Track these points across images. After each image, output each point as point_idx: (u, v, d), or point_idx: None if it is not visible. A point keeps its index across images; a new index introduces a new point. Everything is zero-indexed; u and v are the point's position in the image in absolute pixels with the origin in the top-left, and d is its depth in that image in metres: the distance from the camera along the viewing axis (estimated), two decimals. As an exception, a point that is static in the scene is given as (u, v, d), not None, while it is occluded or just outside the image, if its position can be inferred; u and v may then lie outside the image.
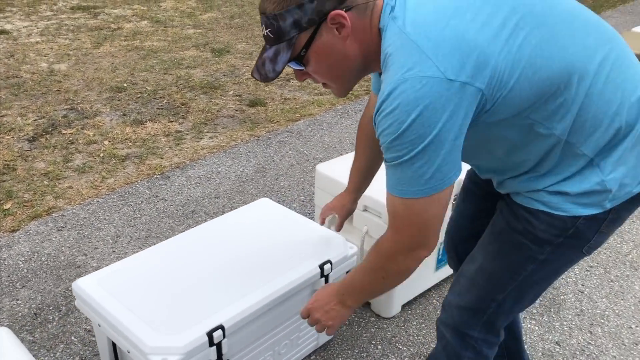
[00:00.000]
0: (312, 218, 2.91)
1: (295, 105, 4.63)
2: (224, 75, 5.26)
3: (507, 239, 1.41)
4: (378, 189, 2.24)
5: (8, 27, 6.43)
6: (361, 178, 1.92)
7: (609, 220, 1.31)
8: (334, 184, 2.36)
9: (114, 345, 1.85)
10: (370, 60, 1.25)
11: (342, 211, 1.99)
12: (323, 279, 1.93)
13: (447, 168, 1.15)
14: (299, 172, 3.53)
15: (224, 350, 1.69)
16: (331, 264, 1.94)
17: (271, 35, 1.20)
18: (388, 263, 1.32)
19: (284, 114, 4.45)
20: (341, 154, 3.69)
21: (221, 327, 1.65)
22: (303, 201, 3.19)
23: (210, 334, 1.63)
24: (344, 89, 1.33)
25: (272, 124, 4.25)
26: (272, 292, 1.78)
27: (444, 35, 1.10)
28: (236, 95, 4.79)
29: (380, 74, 1.37)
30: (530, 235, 1.35)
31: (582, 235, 1.32)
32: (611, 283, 2.61)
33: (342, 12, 1.16)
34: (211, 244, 2.01)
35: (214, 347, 1.66)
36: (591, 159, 1.24)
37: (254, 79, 4.53)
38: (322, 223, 2.06)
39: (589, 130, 1.21)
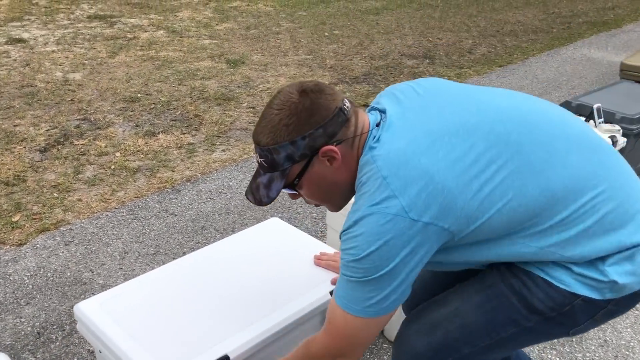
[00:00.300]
0: (323, 236, 2.84)
1: (309, 118, 4.56)
2: (239, 86, 5.22)
3: (497, 294, 1.33)
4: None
5: (25, 35, 6.46)
6: None
7: (606, 310, 1.26)
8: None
9: (115, 372, 1.77)
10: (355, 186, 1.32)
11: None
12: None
13: (394, 297, 1.20)
14: (312, 188, 3.46)
15: (230, 380, 1.61)
16: None
17: (265, 165, 1.29)
18: None
19: (297, 127, 4.38)
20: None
21: (226, 357, 1.58)
22: (315, 218, 3.11)
23: (214, 365, 1.55)
24: (337, 206, 1.41)
25: (286, 138, 4.18)
26: (280, 320, 1.70)
27: (413, 175, 1.14)
28: (250, 107, 4.74)
29: None
30: (524, 300, 1.29)
31: (574, 317, 1.27)
32: (636, 312, 2.49)
33: (332, 147, 1.24)
34: (218, 267, 1.94)
35: (219, 378, 1.58)
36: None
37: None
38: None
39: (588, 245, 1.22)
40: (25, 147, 3.83)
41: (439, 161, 1.15)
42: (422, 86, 1.35)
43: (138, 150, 3.87)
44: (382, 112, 1.31)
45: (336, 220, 2.37)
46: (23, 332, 2.25)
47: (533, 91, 5.50)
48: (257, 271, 1.92)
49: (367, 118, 1.31)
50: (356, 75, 5.72)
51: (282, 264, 1.96)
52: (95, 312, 1.71)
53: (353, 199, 1.32)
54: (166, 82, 5.22)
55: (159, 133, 4.16)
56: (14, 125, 4.15)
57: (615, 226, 1.20)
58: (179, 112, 4.56)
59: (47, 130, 4.10)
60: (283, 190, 1.32)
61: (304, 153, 1.25)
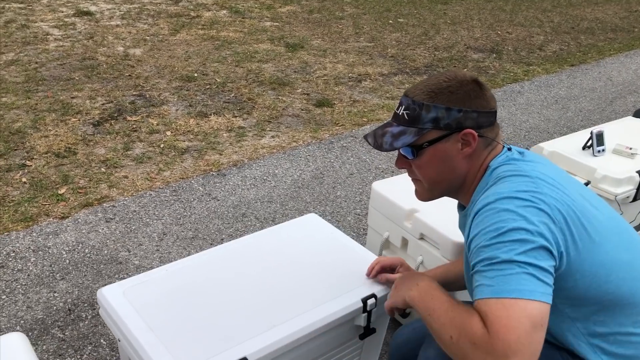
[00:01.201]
0: (364, 235, 2.72)
1: (363, 109, 4.44)
2: (295, 71, 5.13)
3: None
4: (439, 217, 2.03)
5: (93, 8, 6.57)
6: (445, 276, 1.68)
7: None
8: (389, 206, 2.15)
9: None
10: (464, 186, 1.34)
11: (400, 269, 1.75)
12: (365, 314, 1.73)
13: (542, 276, 1.09)
14: (358, 181, 3.34)
15: (247, 384, 1.53)
16: (376, 298, 1.74)
17: (406, 117, 1.30)
18: (465, 344, 1.12)
19: (350, 117, 4.27)
20: (406, 166, 3.47)
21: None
22: (359, 214, 3.00)
23: (231, 367, 1.48)
24: (430, 195, 1.39)
25: (337, 127, 4.07)
26: (305, 325, 1.60)
27: (556, 196, 1.18)
28: (304, 94, 4.64)
29: (463, 208, 1.43)
30: None
31: None
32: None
33: (475, 133, 1.27)
34: (248, 263, 1.86)
35: (235, 382, 1.50)
36: None
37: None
38: (370, 274, 1.82)
39: None
40: (79, 120, 3.88)
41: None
42: None
43: (188, 131, 3.85)
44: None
45: (377, 222, 2.25)
46: (55, 308, 2.25)
47: (606, 94, 5.16)
48: (287, 270, 1.83)
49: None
50: (417, 67, 5.52)
51: (314, 264, 1.86)
52: (117, 300, 1.66)
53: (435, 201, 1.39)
54: (223, 63, 5.19)
55: (211, 114, 4.13)
56: (72, 97, 4.21)
57: None
58: (232, 95, 4.52)
59: (102, 105, 4.14)
60: (402, 150, 1.33)
61: (449, 124, 1.27)
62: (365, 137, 1.38)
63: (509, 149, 1.36)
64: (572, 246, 1.14)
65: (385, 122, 1.39)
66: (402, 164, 1.38)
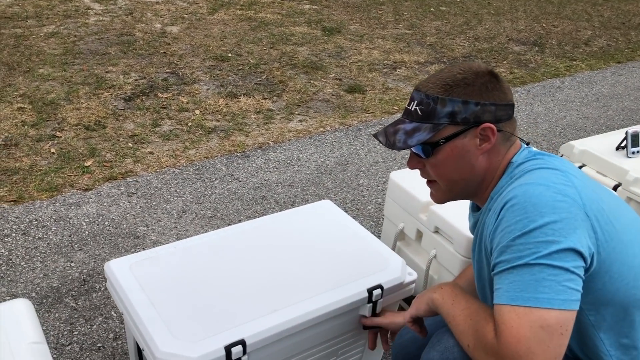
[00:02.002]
0: (381, 226, 2.68)
1: (395, 97, 4.36)
2: (329, 56, 5.08)
3: None
4: (455, 211, 1.98)
5: (135, -15, 6.64)
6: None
7: None
8: (406, 196, 2.11)
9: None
10: (482, 185, 1.27)
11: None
12: (370, 305, 1.70)
13: (567, 280, 1.03)
14: (383, 170, 3.29)
15: (244, 367, 1.52)
16: (382, 289, 1.70)
17: (419, 113, 1.22)
18: (480, 352, 1.09)
19: (381, 104, 4.20)
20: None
21: (242, 342, 1.49)
22: (380, 204, 2.96)
23: (228, 349, 1.47)
24: (447, 196, 1.32)
25: (367, 114, 4.02)
26: (306, 312, 1.58)
27: (590, 195, 1.13)
28: (337, 79, 4.59)
29: (477, 209, 1.37)
30: None
31: None
32: None
33: (494, 127, 1.19)
34: (256, 245, 1.85)
35: (232, 363, 1.49)
36: None
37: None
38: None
39: None
40: (111, 94, 3.92)
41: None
42: None
43: (217, 110, 3.86)
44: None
45: (393, 212, 2.21)
46: (70, 277, 2.29)
47: (651, 94, 4.95)
48: (295, 255, 1.81)
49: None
50: (455, 57, 5.40)
51: (323, 251, 1.83)
52: (123, 274, 1.68)
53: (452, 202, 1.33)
54: (258, 45, 5.18)
55: (240, 95, 4.12)
56: (106, 72, 4.27)
57: None
58: (264, 77, 4.50)
59: (135, 80, 4.18)
60: (414, 149, 1.26)
61: (467, 119, 1.20)
62: (376, 135, 1.30)
63: (527, 144, 1.30)
64: (603, 245, 1.08)
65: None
66: (416, 163, 1.30)
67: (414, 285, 1.81)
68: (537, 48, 5.92)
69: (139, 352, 1.78)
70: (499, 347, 1.03)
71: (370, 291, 1.68)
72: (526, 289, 1.02)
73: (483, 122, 1.20)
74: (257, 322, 1.54)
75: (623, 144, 2.47)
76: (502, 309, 1.04)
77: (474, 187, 1.28)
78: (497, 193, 1.22)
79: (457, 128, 1.21)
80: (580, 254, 1.04)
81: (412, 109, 1.24)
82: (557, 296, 1.01)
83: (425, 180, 1.33)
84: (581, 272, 1.04)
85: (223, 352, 1.46)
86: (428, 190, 1.56)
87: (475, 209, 1.40)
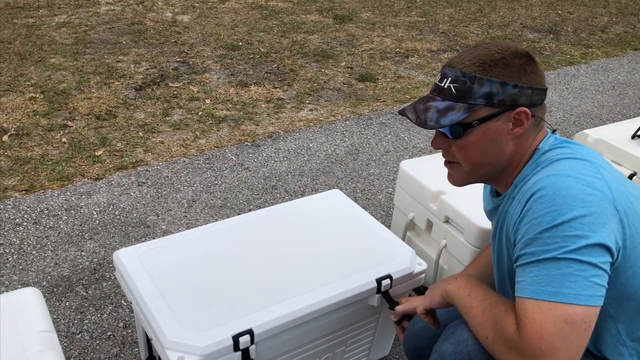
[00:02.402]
0: (391, 215, 2.66)
1: (407, 85, 4.32)
2: (341, 44, 5.04)
3: None
4: (465, 200, 1.95)
5: (146, -26, 6.63)
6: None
7: None
8: (416, 186, 2.08)
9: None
10: (506, 171, 1.22)
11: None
12: (379, 295, 1.69)
13: (593, 276, 1.01)
14: (394, 160, 3.26)
15: (252, 356, 1.52)
16: (391, 279, 1.69)
17: (453, 91, 1.16)
18: (499, 345, 1.07)
19: (393, 93, 4.16)
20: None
21: (250, 332, 1.48)
22: (390, 194, 2.93)
23: (236, 338, 1.46)
24: (468, 179, 1.26)
25: (378, 103, 3.99)
26: (314, 302, 1.57)
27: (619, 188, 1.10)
28: (348, 67, 4.56)
29: (496, 194, 1.32)
30: None
31: None
32: None
33: (529, 112, 1.15)
34: (265, 235, 1.84)
35: (239, 353, 1.49)
36: None
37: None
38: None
39: None
40: (122, 84, 3.93)
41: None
42: None
43: (227, 100, 3.85)
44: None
45: (404, 202, 2.19)
46: (81, 266, 2.30)
47: (669, 82, 4.86)
48: (304, 245, 1.80)
49: None
50: (468, 44, 5.33)
51: (332, 241, 1.82)
52: (132, 263, 1.68)
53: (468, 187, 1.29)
54: (269, 33, 5.15)
55: (251, 84, 4.10)
56: (117, 61, 4.27)
57: None
58: (275, 65, 4.48)
59: (146, 69, 4.18)
60: (442, 129, 1.19)
61: (504, 101, 1.14)
62: (403, 111, 1.22)
63: (554, 131, 1.25)
64: (630, 240, 1.06)
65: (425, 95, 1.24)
66: (441, 143, 1.23)
67: (423, 275, 1.80)
68: (552, 35, 5.83)
69: (148, 340, 1.78)
70: (520, 341, 1.01)
71: (379, 281, 1.67)
72: (552, 284, 1.00)
73: (519, 106, 1.15)
74: (265, 311, 1.53)
75: (639, 133, 2.42)
76: (525, 302, 1.02)
77: (498, 172, 1.23)
78: (521, 181, 1.18)
79: (492, 110, 1.15)
80: (608, 249, 1.01)
81: (445, 86, 1.17)
82: (583, 292, 0.99)
83: (444, 160, 1.28)
84: (608, 268, 1.02)
85: (231, 342, 1.46)
86: (438, 179, 1.54)
87: (494, 194, 1.35)
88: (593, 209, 1.01)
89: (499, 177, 1.25)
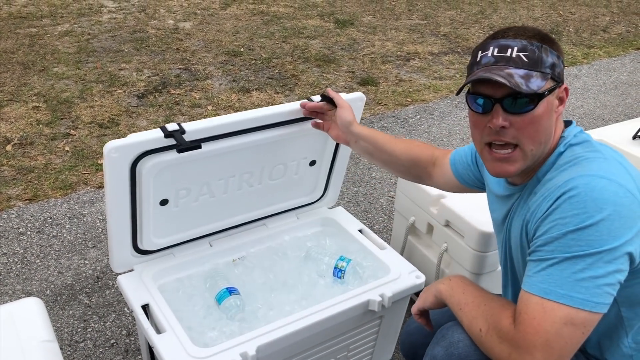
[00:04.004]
0: (392, 219, 2.66)
1: (409, 88, 4.32)
2: (342, 48, 5.05)
3: None
4: (465, 204, 1.95)
5: (148, -18, 6.66)
6: (375, 139, 1.59)
7: None
8: (416, 190, 2.08)
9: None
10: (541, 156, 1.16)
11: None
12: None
13: (605, 283, 1.00)
14: (396, 163, 3.26)
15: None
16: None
17: (525, 59, 1.09)
18: (492, 337, 1.08)
19: (394, 96, 4.17)
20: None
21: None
22: (392, 198, 2.93)
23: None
24: (528, 161, 1.13)
25: (379, 107, 3.99)
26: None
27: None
28: (349, 72, 4.57)
29: (510, 184, 1.26)
30: None
31: None
32: None
33: (568, 89, 1.14)
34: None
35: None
36: None
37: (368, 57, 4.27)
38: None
39: None
40: (125, 92, 3.95)
41: None
42: None
43: (229, 106, 3.86)
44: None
45: (404, 206, 2.19)
46: (84, 274, 2.31)
47: (672, 80, 4.85)
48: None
49: None
50: (469, 46, 5.33)
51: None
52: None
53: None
54: (271, 39, 5.17)
55: (253, 90, 4.12)
56: (119, 69, 4.29)
57: None
58: (277, 71, 4.49)
59: (148, 77, 4.20)
60: (506, 101, 1.08)
61: (559, 75, 1.12)
62: (481, 79, 1.08)
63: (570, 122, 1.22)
64: None
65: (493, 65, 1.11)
66: (503, 120, 1.09)
67: (423, 282, 1.79)
68: (553, 36, 5.82)
69: (151, 349, 1.79)
70: (515, 334, 1.02)
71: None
72: (563, 286, 1.00)
73: (562, 82, 1.13)
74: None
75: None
76: (530, 298, 1.03)
77: (544, 153, 1.15)
78: (544, 174, 1.13)
79: (553, 83, 1.10)
80: (629, 255, 1.01)
81: (514, 56, 1.08)
82: (592, 298, 0.99)
83: (493, 149, 1.14)
84: (622, 277, 1.01)
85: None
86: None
87: (508, 184, 1.27)
88: (623, 212, 0.99)
89: (537, 160, 1.16)
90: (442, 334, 1.24)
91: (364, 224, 1.93)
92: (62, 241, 2.49)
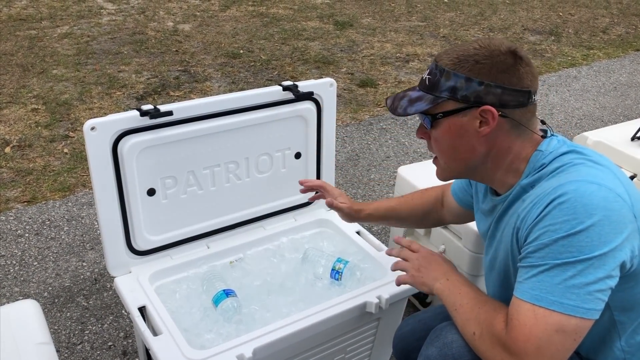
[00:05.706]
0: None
1: (408, 90, 4.32)
2: (341, 50, 5.05)
3: None
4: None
5: (147, -16, 6.66)
6: (385, 212, 1.69)
7: None
8: (413, 191, 2.08)
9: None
10: (490, 171, 1.21)
11: (339, 200, 1.73)
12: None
13: (597, 290, 1.01)
14: (394, 165, 3.26)
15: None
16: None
17: (427, 83, 1.19)
18: (485, 341, 1.09)
19: (393, 98, 4.16)
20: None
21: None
22: (391, 199, 2.93)
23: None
24: (447, 174, 1.29)
25: (378, 108, 3.99)
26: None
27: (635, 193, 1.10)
28: (348, 73, 4.57)
29: (495, 194, 1.29)
30: None
31: None
32: None
33: (495, 111, 1.13)
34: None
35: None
36: None
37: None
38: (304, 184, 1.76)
39: None
40: (124, 94, 3.95)
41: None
42: None
43: (228, 107, 3.85)
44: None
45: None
46: (82, 277, 2.31)
47: (671, 82, 4.84)
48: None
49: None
50: (469, 48, 5.33)
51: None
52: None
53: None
54: (270, 40, 5.17)
55: (252, 91, 4.11)
56: (118, 71, 4.29)
57: None
58: (276, 72, 4.49)
59: (147, 79, 4.20)
60: (421, 118, 1.23)
61: (467, 97, 1.14)
62: (387, 99, 1.27)
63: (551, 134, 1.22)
64: None
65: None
66: (421, 133, 1.26)
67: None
68: (553, 37, 5.83)
69: (148, 351, 1.79)
70: (507, 339, 1.03)
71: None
72: (553, 292, 1.00)
73: (484, 104, 1.13)
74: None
75: (639, 134, 2.41)
76: (521, 305, 1.03)
77: (476, 170, 1.23)
78: (529, 183, 1.15)
79: (457, 105, 1.15)
80: (620, 260, 1.01)
81: (424, 78, 1.21)
82: (583, 304, 0.99)
83: (433, 157, 1.30)
84: (613, 283, 1.01)
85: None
86: (435, 184, 1.55)
87: (493, 193, 1.31)
88: (613, 216, 1.00)
89: (485, 176, 1.24)
90: (436, 335, 1.24)
91: (362, 225, 1.93)
92: (60, 243, 2.49)
